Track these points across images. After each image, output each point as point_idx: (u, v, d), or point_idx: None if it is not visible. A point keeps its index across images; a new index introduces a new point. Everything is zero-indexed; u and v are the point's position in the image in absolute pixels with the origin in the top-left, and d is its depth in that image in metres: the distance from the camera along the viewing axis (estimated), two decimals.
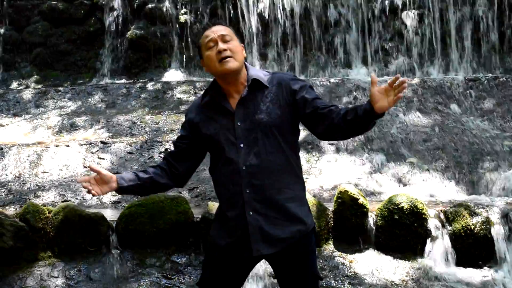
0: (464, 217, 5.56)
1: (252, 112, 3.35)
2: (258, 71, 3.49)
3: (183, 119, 3.60)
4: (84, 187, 3.33)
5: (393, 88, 3.11)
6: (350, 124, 3.22)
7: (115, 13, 10.77)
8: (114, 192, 3.41)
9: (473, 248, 5.53)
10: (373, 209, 5.67)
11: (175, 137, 7.57)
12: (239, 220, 3.34)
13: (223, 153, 3.36)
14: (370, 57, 10.25)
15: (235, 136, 3.33)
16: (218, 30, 3.39)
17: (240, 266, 3.45)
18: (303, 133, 6.70)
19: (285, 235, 3.32)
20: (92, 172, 3.40)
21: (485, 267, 5.50)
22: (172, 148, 3.60)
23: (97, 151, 7.37)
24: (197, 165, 3.61)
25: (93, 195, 3.36)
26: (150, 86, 9.27)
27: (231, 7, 10.40)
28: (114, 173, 3.42)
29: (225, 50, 3.33)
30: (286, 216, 3.34)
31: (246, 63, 3.48)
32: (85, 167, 7.07)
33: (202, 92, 3.49)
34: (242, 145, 3.31)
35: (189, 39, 10.56)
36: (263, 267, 5.11)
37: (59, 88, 9.52)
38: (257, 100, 3.38)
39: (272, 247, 3.33)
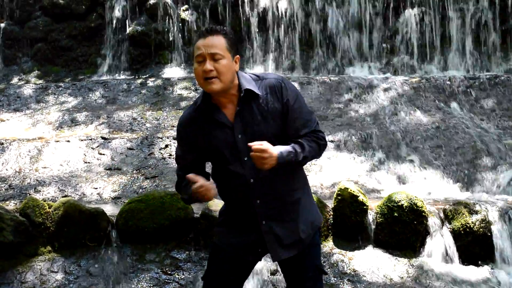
0: (464, 215, 5.57)
1: (250, 123, 3.29)
2: (248, 80, 3.34)
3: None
4: (200, 192, 3.21)
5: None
6: None
7: (116, 9, 10.77)
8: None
9: (472, 246, 5.55)
10: (373, 206, 5.68)
11: (175, 133, 7.59)
12: (252, 227, 3.39)
13: (228, 166, 3.34)
14: (370, 55, 10.26)
15: (237, 149, 3.29)
16: (209, 46, 3.23)
17: (245, 264, 3.51)
18: None
19: (299, 237, 3.38)
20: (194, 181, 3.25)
21: (484, 265, 5.51)
22: (179, 167, 3.50)
23: (98, 146, 7.37)
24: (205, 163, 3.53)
25: (208, 200, 3.30)
26: (150, 82, 9.27)
27: (231, 4, 10.41)
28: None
29: (211, 70, 3.21)
30: (298, 219, 3.39)
31: (237, 71, 3.34)
32: (85, 162, 7.09)
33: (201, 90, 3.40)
34: (246, 159, 3.28)
35: (190, 36, 10.56)
36: (262, 263, 5.11)
37: (60, 84, 9.53)
38: (253, 110, 3.29)
39: (290, 251, 3.40)
